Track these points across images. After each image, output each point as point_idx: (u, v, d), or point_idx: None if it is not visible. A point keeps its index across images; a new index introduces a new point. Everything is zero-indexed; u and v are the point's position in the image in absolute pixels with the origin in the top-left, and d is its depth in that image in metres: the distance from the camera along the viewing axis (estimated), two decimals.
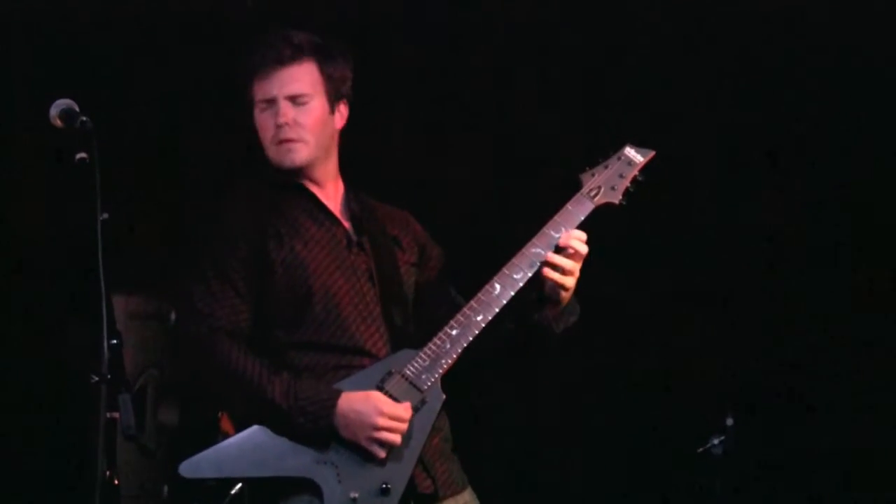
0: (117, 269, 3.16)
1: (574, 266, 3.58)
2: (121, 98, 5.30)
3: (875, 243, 5.46)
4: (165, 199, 5.51)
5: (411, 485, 3.51)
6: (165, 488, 5.07)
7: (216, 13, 5.42)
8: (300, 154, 3.66)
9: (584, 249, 3.58)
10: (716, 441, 4.96)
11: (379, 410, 3.44)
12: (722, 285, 5.54)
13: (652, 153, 3.73)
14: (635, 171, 3.69)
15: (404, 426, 3.46)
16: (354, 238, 3.69)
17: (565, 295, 3.61)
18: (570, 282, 3.58)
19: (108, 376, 3.09)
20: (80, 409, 3.47)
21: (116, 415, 3.08)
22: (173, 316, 5.22)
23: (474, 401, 4.76)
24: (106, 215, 3.17)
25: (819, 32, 5.43)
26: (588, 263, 3.63)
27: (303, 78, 3.68)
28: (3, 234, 5.30)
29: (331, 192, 3.74)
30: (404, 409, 3.47)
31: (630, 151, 3.72)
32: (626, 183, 3.67)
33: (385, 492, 3.45)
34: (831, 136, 5.45)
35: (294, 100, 3.66)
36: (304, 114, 3.66)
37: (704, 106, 5.50)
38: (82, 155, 3.21)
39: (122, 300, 4.95)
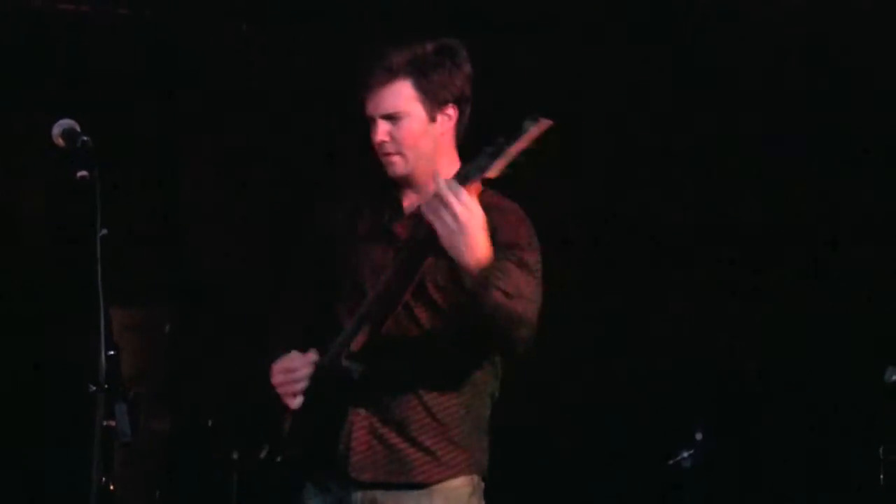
0: (115, 281, 3.26)
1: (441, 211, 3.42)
2: (122, 115, 5.45)
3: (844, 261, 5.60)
4: (164, 214, 5.65)
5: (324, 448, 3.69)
6: (158, 493, 5.19)
7: (211, 39, 5.59)
8: (399, 167, 3.83)
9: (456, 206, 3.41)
10: (685, 454, 5.05)
11: (276, 367, 3.68)
12: (693, 299, 5.65)
13: (548, 122, 3.40)
14: (524, 143, 3.41)
15: (293, 377, 3.65)
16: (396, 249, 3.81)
17: (451, 248, 3.43)
18: (439, 227, 3.42)
19: (106, 386, 3.18)
20: (77, 418, 3.57)
21: (113, 423, 3.17)
22: (168, 327, 5.37)
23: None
24: (105, 231, 3.26)
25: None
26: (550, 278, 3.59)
27: (397, 98, 3.80)
28: (7, 248, 5.44)
29: (426, 194, 3.72)
30: (301, 362, 3.66)
31: (526, 123, 3.45)
32: (513, 153, 3.42)
33: None
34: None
35: (390, 118, 3.82)
36: (400, 130, 3.81)
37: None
38: (83, 173, 3.29)
39: (119, 312, 5.06)
